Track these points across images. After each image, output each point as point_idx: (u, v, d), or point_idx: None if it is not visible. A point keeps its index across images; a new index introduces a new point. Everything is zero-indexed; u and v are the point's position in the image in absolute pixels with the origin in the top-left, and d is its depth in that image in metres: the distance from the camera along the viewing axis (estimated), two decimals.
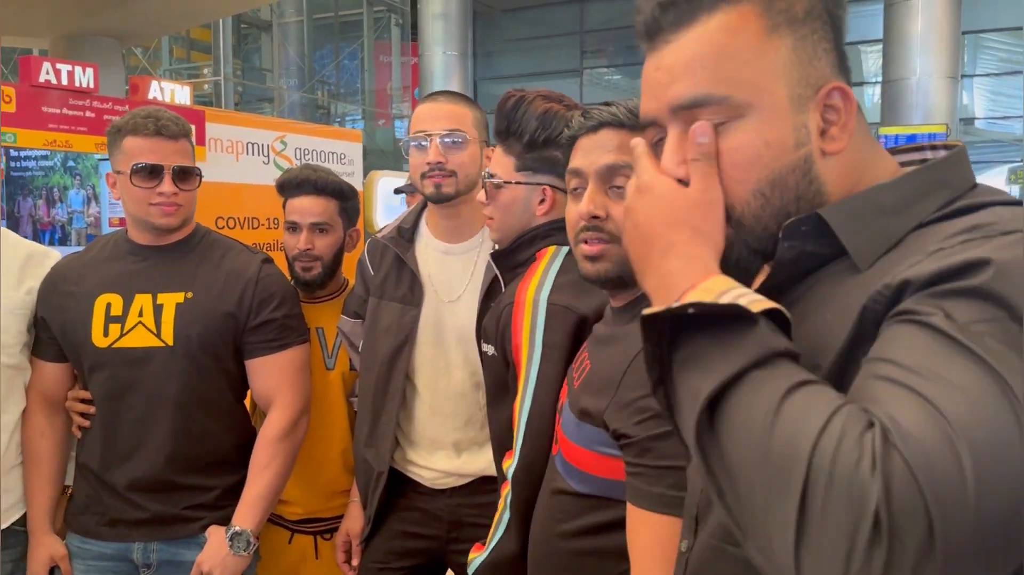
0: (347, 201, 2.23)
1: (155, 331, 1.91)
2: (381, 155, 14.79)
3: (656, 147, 0.87)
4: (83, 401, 1.97)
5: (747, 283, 0.82)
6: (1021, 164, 12.22)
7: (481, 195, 1.73)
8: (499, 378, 1.64)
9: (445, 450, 1.99)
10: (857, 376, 0.68)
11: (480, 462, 1.99)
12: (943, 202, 0.79)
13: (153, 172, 1.88)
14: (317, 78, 16.20)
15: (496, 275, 1.83)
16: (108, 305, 1.93)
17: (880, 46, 12.69)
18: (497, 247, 1.78)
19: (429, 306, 1.97)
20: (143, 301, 1.92)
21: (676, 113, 0.83)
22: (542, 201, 1.67)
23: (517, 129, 1.65)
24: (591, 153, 1.29)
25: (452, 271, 1.99)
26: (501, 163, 1.69)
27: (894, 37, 11.85)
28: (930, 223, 0.78)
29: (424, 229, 2.06)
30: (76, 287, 1.95)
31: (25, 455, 1.97)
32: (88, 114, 4.19)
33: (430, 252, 2.02)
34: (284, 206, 2.23)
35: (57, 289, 1.96)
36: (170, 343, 1.90)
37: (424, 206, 2.08)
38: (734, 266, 0.82)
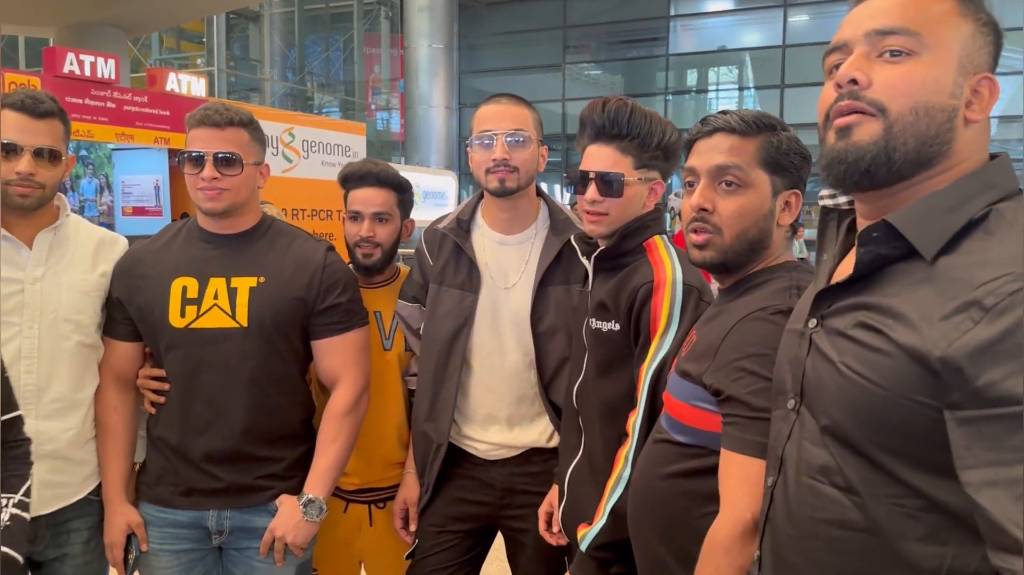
0: (404, 193, 2.36)
1: (230, 313, 2.02)
2: (368, 146, 14.84)
3: (829, 75, 1.09)
4: (156, 378, 2.08)
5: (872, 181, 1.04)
6: None
7: (591, 193, 1.84)
8: (612, 352, 1.82)
9: (499, 424, 2.14)
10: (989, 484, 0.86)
11: (531, 435, 2.14)
12: (991, 201, 0.99)
13: (197, 160, 2.00)
14: (308, 70, 16.22)
15: (551, 264, 2.07)
16: (184, 288, 2.03)
17: None
18: (600, 246, 1.91)
19: (486, 292, 2.12)
20: (217, 285, 2.03)
21: (870, 37, 1.05)
22: (649, 194, 1.89)
23: (636, 133, 1.84)
24: (704, 154, 1.48)
25: (508, 260, 2.14)
26: (619, 163, 1.85)
27: None
28: (978, 225, 0.97)
29: (480, 220, 2.20)
30: (152, 270, 2.06)
31: (99, 429, 2.08)
32: (109, 104, 4.26)
33: (487, 242, 2.17)
34: (346, 198, 2.35)
35: (133, 272, 2.07)
36: (244, 324, 2.01)
37: (479, 199, 2.22)
38: (872, 160, 1.02)
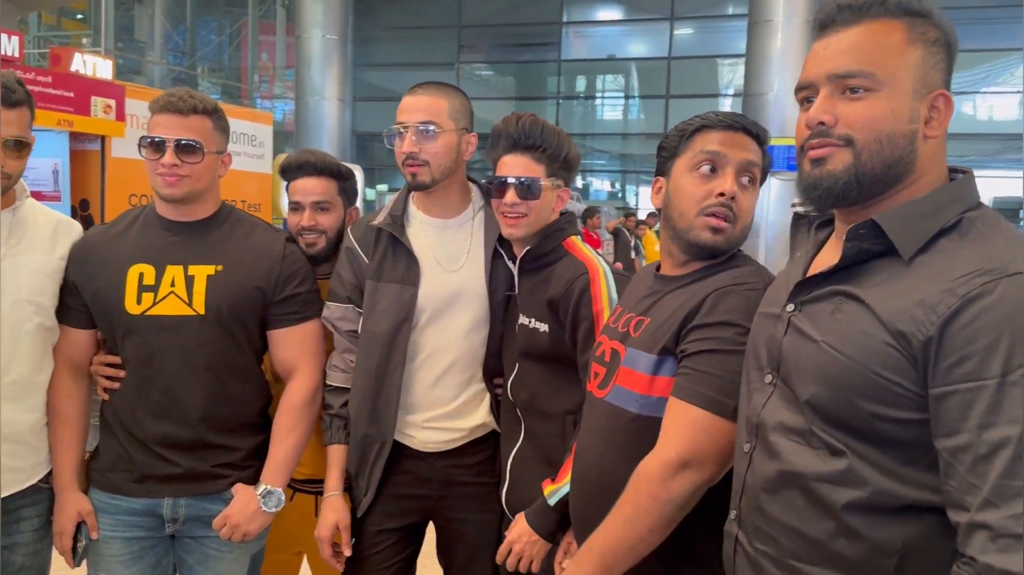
0: (345, 181, 2.41)
1: (187, 300, 2.03)
2: None
3: (802, 105, 1.27)
4: (112, 365, 2.07)
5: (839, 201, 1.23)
6: None
7: (511, 196, 2.01)
8: (545, 346, 2.00)
9: (440, 412, 2.17)
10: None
11: (472, 421, 2.19)
12: (960, 212, 1.18)
13: (157, 146, 2.00)
14: (200, 54, 15.67)
15: (497, 242, 2.17)
16: (141, 275, 2.03)
17: (735, 60, 13.64)
18: (527, 248, 2.07)
19: (429, 281, 2.14)
20: (175, 272, 2.04)
21: (831, 79, 1.22)
22: (557, 200, 2.08)
23: (547, 144, 2.03)
24: (732, 146, 1.61)
25: (454, 242, 2.19)
26: (534, 170, 2.03)
27: (755, 55, 12.78)
28: (951, 230, 1.16)
29: (415, 211, 2.22)
30: (108, 256, 2.05)
31: (52, 416, 2.05)
32: None
33: (427, 230, 2.19)
34: (287, 189, 2.38)
35: (89, 258, 2.05)
36: (202, 312, 2.02)
37: (409, 191, 2.23)
38: (844, 185, 1.20)
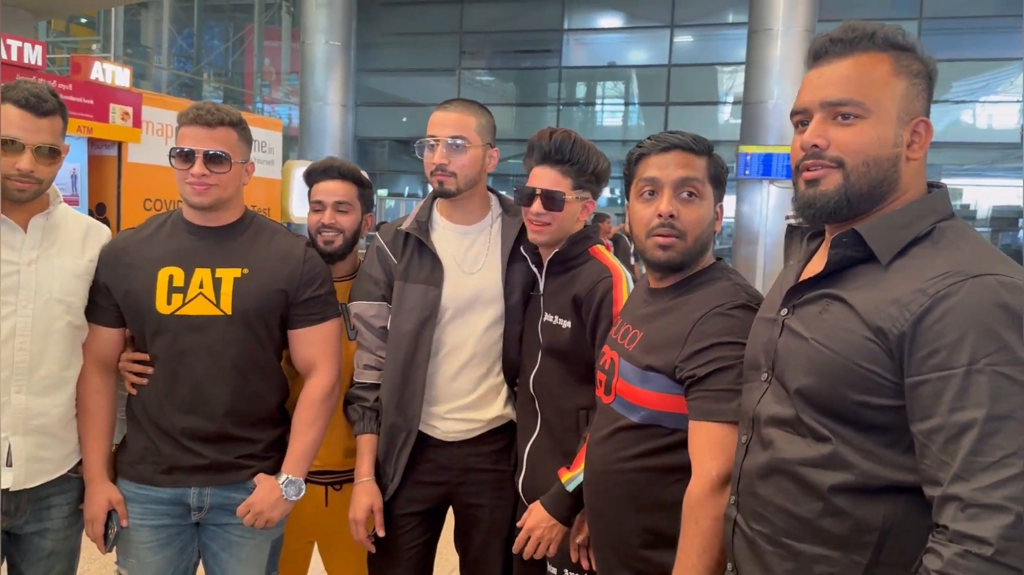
0: (365, 188, 2.54)
1: (215, 301, 2.14)
2: None
3: (797, 128, 1.39)
4: (140, 362, 2.18)
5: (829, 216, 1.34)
6: None
7: (536, 206, 2.15)
8: (565, 342, 2.13)
9: (460, 404, 2.33)
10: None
11: (490, 412, 2.35)
12: (933, 222, 1.31)
13: (186, 156, 2.13)
14: (207, 60, 15.81)
15: (514, 246, 2.33)
16: (171, 277, 2.15)
17: (735, 68, 13.77)
18: (554, 252, 2.22)
19: (451, 282, 2.31)
20: (203, 274, 2.16)
21: (824, 106, 1.33)
22: (583, 211, 2.22)
23: (575, 159, 2.16)
24: (665, 167, 1.73)
25: (474, 247, 2.36)
26: (560, 183, 2.17)
27: (755, 63, 12.90)
28: (924, 238, 1.28)
29: (438, 217, 2.40)
30: (138, 259, 2.16)
31: (81, 411, 2.17)
32: None
33: (450, 235, 2.37)
34: (310, 192, 2.51)
35: (120, 260, 2.17)
36: (228, 313, 2.14)
37: (434, 198, 2.42)
38: (835, 204, 1.32)
